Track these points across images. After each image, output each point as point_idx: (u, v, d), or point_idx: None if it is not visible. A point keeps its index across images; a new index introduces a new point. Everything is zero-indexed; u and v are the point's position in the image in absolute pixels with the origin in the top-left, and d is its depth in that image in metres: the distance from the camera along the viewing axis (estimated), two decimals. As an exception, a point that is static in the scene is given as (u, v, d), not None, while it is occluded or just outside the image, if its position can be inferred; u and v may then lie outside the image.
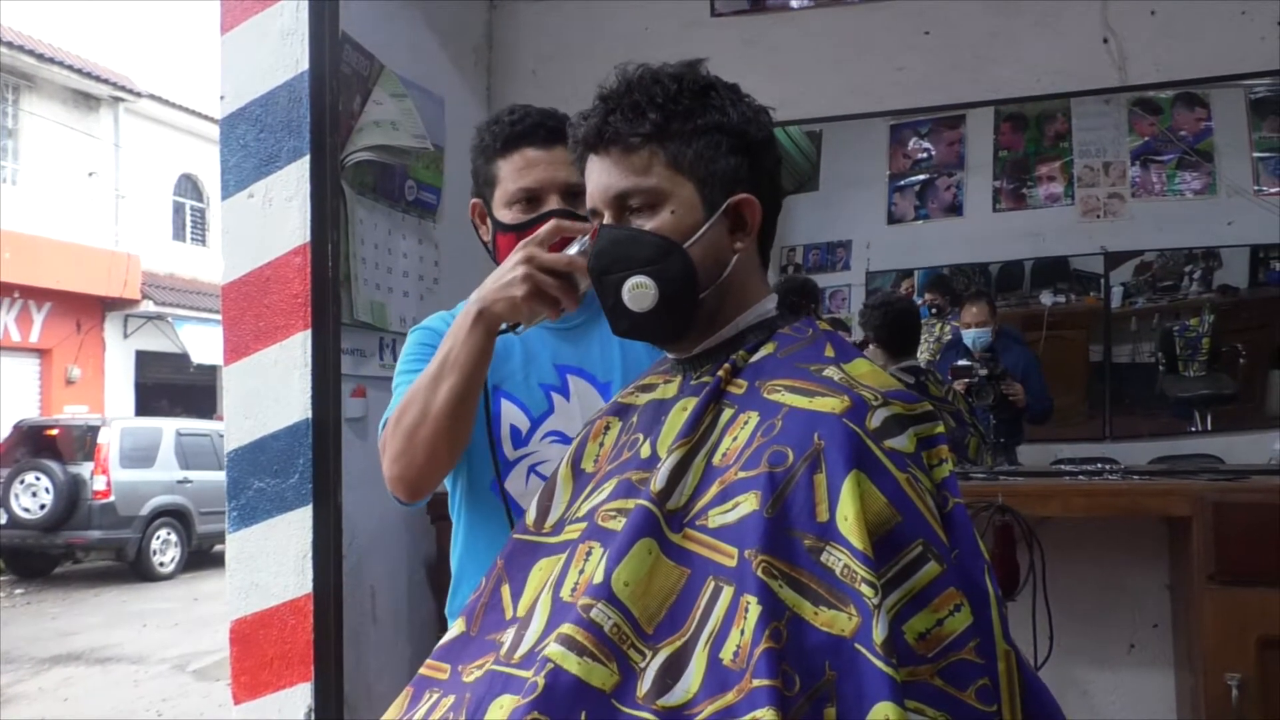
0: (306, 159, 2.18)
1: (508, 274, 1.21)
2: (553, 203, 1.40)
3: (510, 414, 1.42)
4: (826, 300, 3.15)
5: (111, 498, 9.34)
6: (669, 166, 1.04)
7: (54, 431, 9.89)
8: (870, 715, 0.81)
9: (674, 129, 1.03)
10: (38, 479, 9.29)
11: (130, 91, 13.71)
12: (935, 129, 3.13)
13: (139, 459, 9.76)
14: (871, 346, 2.99)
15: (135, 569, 9.64)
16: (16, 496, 9.25)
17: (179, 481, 9.99)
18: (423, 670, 1.05)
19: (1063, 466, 2.78)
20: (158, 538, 9.77)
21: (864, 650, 0.82)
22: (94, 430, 9.66)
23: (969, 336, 2.99)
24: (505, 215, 1.43)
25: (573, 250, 1.21)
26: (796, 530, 0.88)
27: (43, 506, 9.23)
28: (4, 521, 9.27)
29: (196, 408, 13.64)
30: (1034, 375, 2.99)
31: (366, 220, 2.60)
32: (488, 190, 1.45)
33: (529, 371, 1.45)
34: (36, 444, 9.72)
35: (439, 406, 1.24)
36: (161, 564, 9.78)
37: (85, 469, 9.37)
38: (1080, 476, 2.59)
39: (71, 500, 9.25)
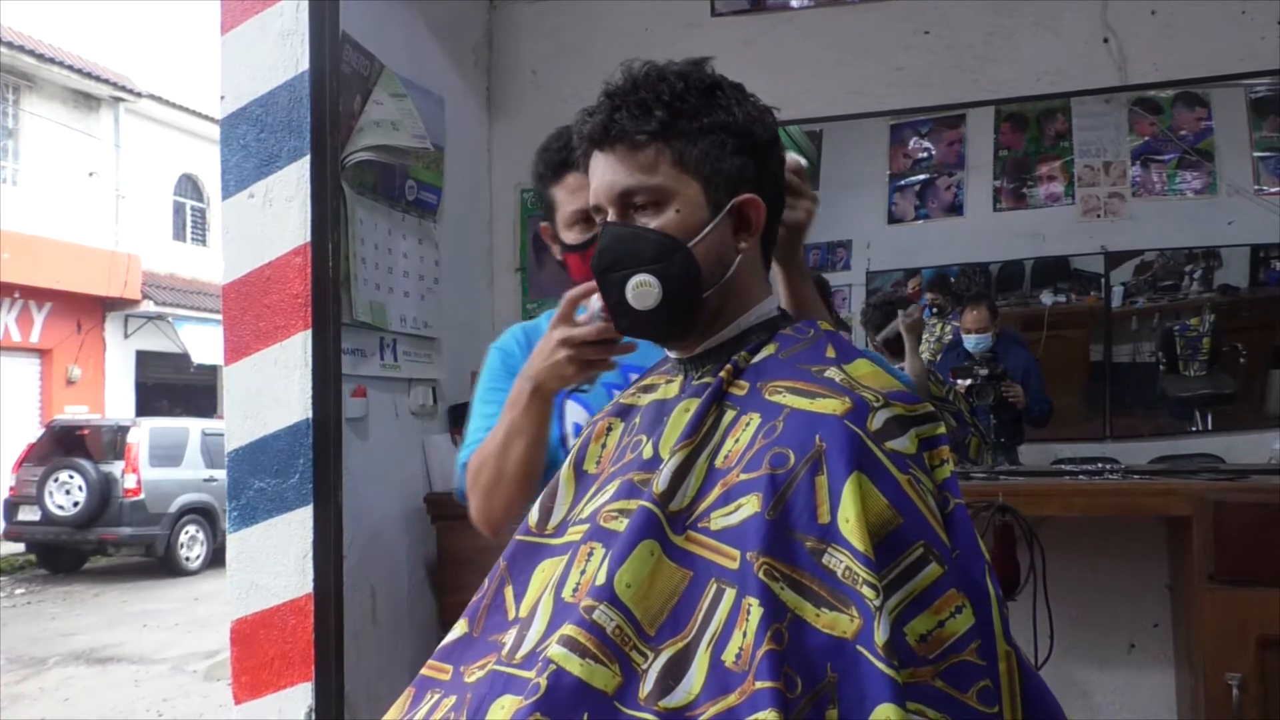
0: (307, 159, 2.18)
1: (550, 357, 1.28)
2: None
3: (574, 412, 1.51)
4: (826, 299, 3.15)
5: (141, 495, 9.67)
6: (675, 165, 1.03)
7: (86, 431, 10.28)
8: (872, 717, 0.81)
9: (680, 127, 1.03)
10: (71, 477, 9.62)
11: (130, 91, 13.69)
12: (935, 129, 3.13)
13: (167, 458, 10.06)
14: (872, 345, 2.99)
15: (164, 564, 9.95)
16: (51, 494, 9.57)
17: (205, 480, 10.27)
18: (424, 671, 1.05)
19: (1063, 466, 2.78)
20: (185, 534, 10.10)
21: (865, 652, 0.82)
22: (124, 430, 10.02)
23: (969, 342, 2.98)
24: (569, 236, 1.52)
25: (591, 309, 1.24)
26: (798, 532, 0.88)
27: (76, 504, 9.54)
28: (39, 518, 9.63)
29: (197, 408, 13.62)
30: (1034, 378, 2.99)
31: (366, 220, 2.60)
32: (551, 214, 1.56)
33: None
34: (69, 443, 10.10)
35: (511, 470, 1.36)
36: (189, 559, 10.10)
37: (116, 468, 9.71)
38: (1080, 476, 2.59)
39: (103, 498, 9.56)
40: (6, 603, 8.56)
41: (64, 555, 10.18)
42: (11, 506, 9.92)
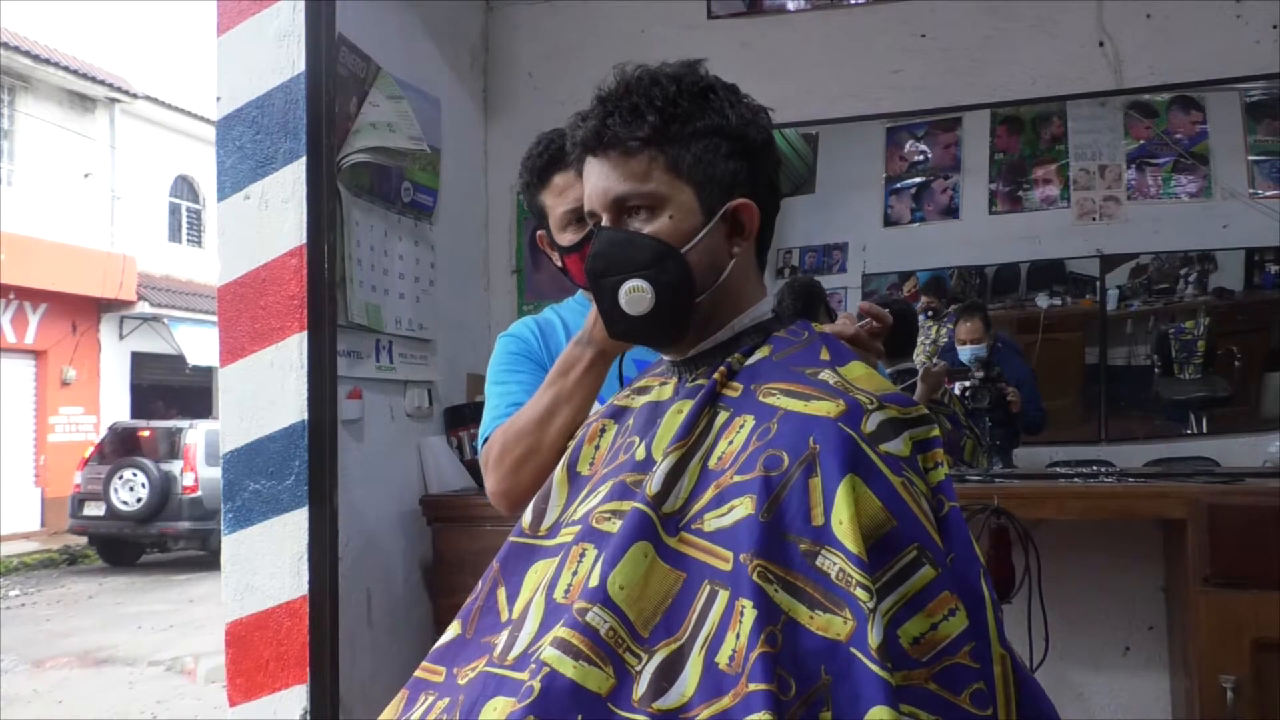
0: (303, 161, 2.18)
1: None
2: None
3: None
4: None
5: (199, 492, 10.29)
6: (668, 171, 1.03)
7: (146, 433, 10.94)
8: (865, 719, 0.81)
9: (673, 132, 1.03)
10: (134, 475, 10.32)
11: (126, 93, 13.66)
12: (931, 132, 3.13)
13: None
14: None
15: (218, 557, 10.14)
16: (116, 491, 10.33)
17: None
18: (418, 673, 1.05)
19: (1058, 469, 2.79)
20: None
21: (859, 654, 0.82)
22: (180, 432, 10.67)
23: (964, 354, 2.97)
24: (564, 239, 1.53)
25: None
26: (792, 534, 0.88)
27: (139, 500, 10.29)
28: (104, 513, 10.37)
29: (192, 410, 13.61)
30: (1029, 386, 2.99)
31: (362, 222, 2.60)
32: (544, 221, 1.56)
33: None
34: (130, 444, 10.78)
35: (551, 440, 1.30)
36: None
37: (175, 466, 10.37)
38: (1076, 479, 2.60)
39: (164, 494, 10.29)
40: (2, 605, 8.54)
41: (124, 548, 10.84)
42: (78, 503, 10.57)
